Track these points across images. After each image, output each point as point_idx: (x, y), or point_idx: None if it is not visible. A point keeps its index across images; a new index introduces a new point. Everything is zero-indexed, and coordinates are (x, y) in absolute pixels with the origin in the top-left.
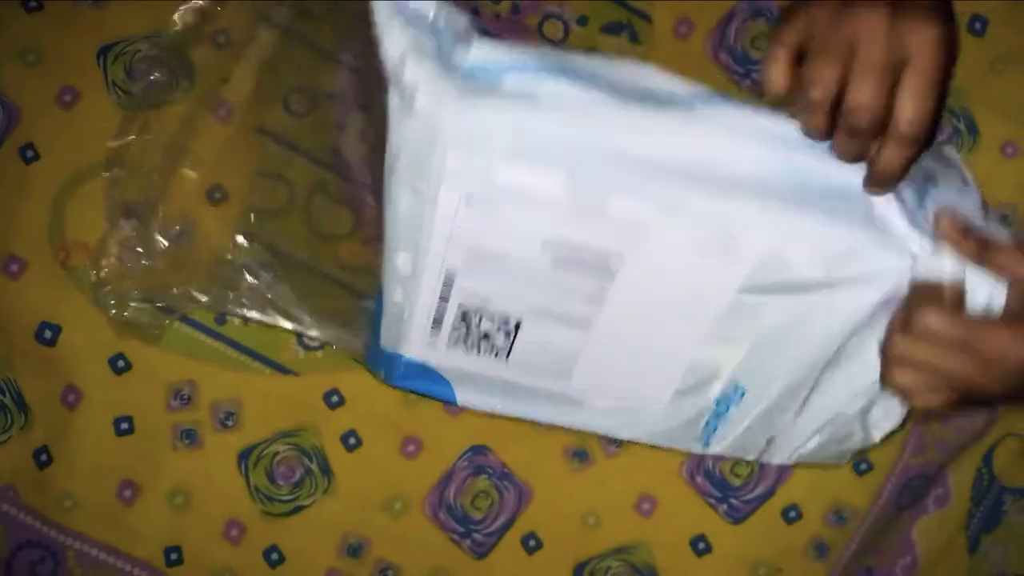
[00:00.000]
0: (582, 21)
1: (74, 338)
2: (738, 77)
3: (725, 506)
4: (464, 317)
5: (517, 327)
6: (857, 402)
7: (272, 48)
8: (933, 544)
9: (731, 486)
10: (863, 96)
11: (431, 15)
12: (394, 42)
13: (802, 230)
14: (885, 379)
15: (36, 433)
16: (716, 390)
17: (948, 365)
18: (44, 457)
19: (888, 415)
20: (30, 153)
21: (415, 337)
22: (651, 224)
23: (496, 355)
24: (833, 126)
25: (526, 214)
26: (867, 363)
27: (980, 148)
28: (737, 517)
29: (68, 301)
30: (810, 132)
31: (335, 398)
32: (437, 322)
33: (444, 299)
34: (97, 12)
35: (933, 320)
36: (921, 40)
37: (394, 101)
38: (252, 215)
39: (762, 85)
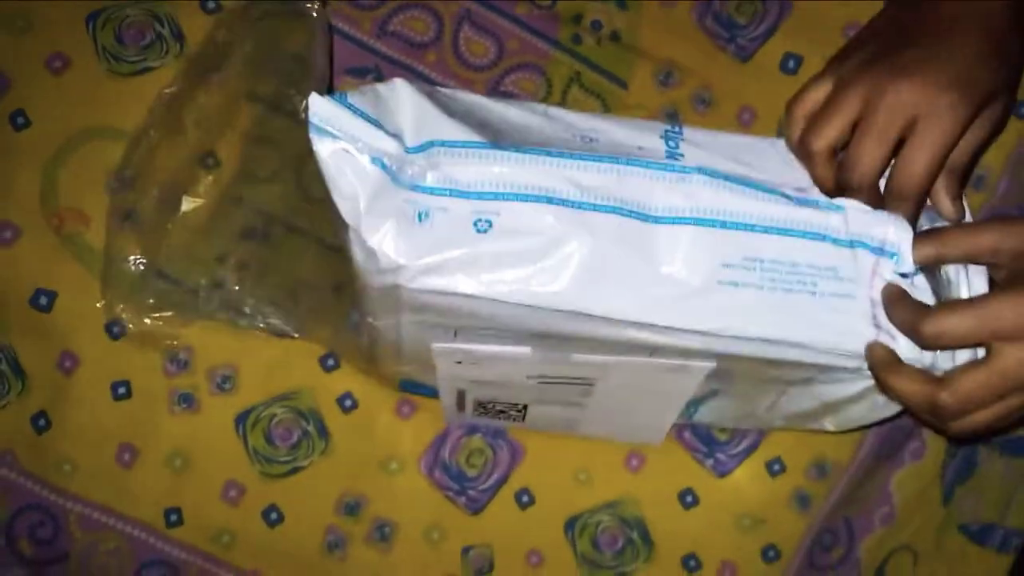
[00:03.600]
0: None
1: (70, 304)
2: (723, 42)
3: (711, 460)
4: (481, 404)
5: (525, 408)
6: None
7: (264, 14)
8: (909, 494)
9: (717, 441)
10: (860, 162)
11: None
12: (345, 195)
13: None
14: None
15: (34, 399)
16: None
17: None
18: (42, 422)
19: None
20: (21, 120)
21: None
22: (612, 364)
23: (512, 420)
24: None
25: (508, 365)
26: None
27: None
28: (723, 471)
29: (63, 267)
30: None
31: (331, 361)
32: (460, 405)
33: (460, 401)
34: None
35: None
36: (932, 108)
37: (355, 249)
38: (244, 180)
39: (789, 140)
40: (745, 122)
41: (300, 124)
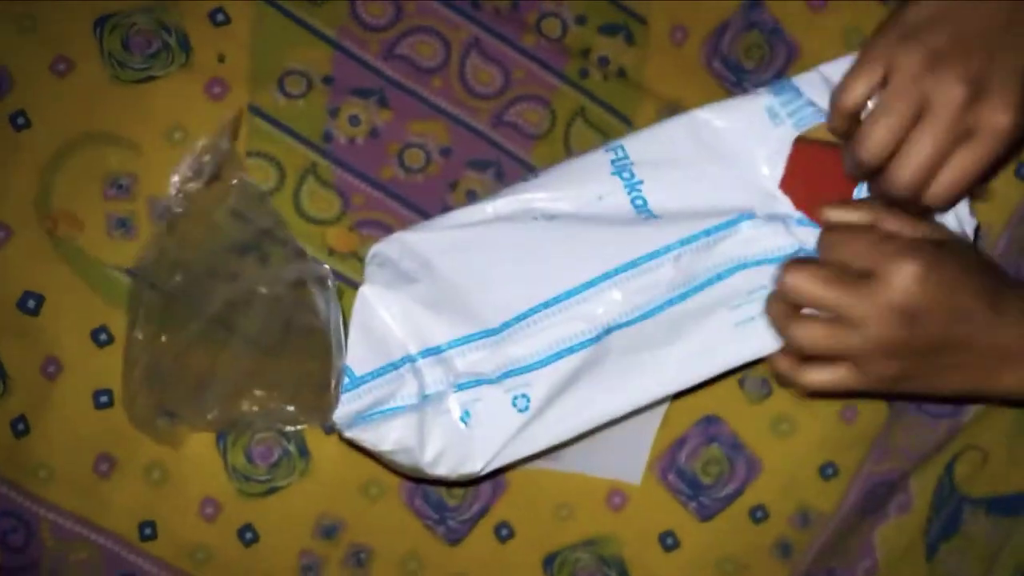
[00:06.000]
0: (580, 20)
1: (57, 309)
2: (730, 85)
3: (695, 504)
4: None
5: None
6: None
7: (270, 29)
8: (893, 549)
9: (701, 484)
10: (909, 173)
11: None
12: (398, 453)
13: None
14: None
15: (14, 402)
16: None
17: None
18: (21, 427)
19: None
20: (21, 120)
21: None
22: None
23: None
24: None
25: None
26: None
27: None
28: (706, 515)
29: (53, 271)
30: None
31: None
32: None
33: None
34: None
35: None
36: (991, 128)
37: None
38: (242, 194)
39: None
40: None
41: None
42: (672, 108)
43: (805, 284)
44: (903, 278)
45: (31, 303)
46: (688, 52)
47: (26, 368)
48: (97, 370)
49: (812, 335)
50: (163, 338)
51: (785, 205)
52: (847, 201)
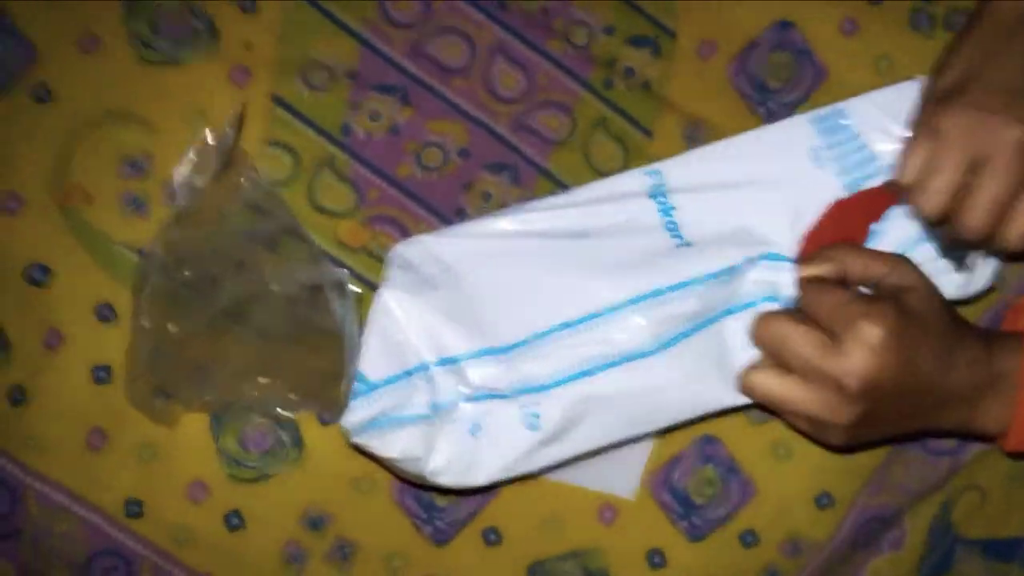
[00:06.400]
0: (608, 31)
1: (63, 282)
2: (754, 104)
3: (686, 523)
4: None
5: None
6: None
7: (298, 19)
8: None
9: (694, 504)
10: (978, 219)
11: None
12: (403, 460)
13: None
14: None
15: (14, 372)
16: None
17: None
18: (17, 396)
19: None
20: (43, 93)
21: None
22: None
23: None
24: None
25: None
26: None
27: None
28: (696, 535)
29: (62, 245)
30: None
31: None
32: None
33: None
34: None
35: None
36: None
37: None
38: (256, 187)
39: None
40: None
41: None
42: (694, 124)
43: (771, 337)
44: (863, 348)
45: (38, 275)
46: (714, 68)
47: (28, 338)
48: (98, 345)
49: (766, 386)
50: (170, 326)
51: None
52: (819, 252)
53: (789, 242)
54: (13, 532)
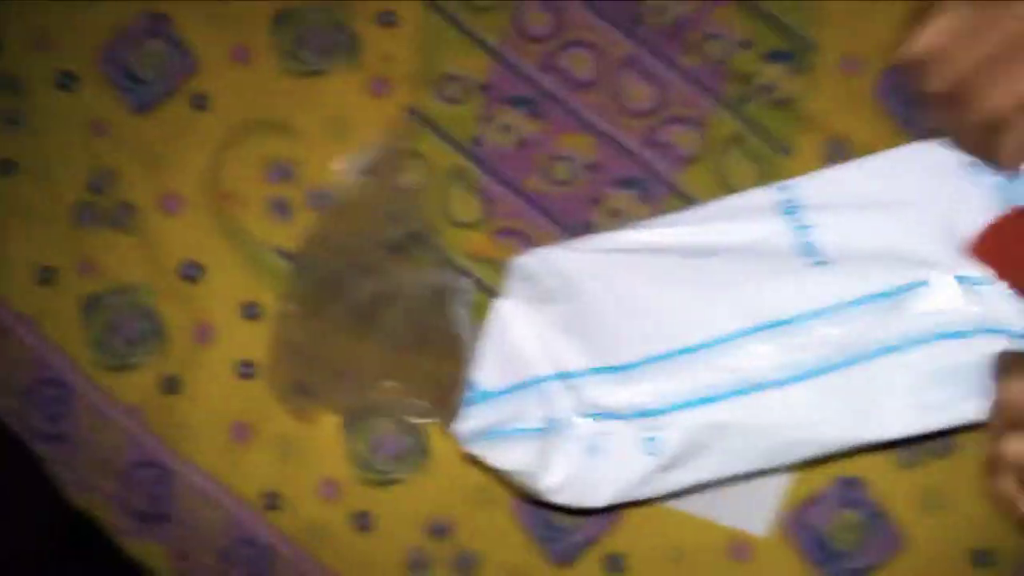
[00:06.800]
0: (745, 44)
1: (214, 280)
2: (902, 124)
3: (824, 571)
4: None
5: None
6: None
7: (434, 33)
8: None
9: (834, 550)
10: None
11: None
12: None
13: None
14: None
15: (170, 362)
16: None
17: None
18: (171, 386)
19: None
20: (201, 102)
21: None
22: None
23: None
24: None
25: None
26: None
27: None
28: None
29: (215, 245)
30: None
31: None
32: None
33: None
34: None
35: None
36: None
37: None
38: (399, 195)
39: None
40: None
41: None
42: (836, 142)
43: None
44: None
45: (193, 271)
46: (861, 83)
47: (182, 332)
48: (244, 341)
49: None
50: (311, 320)
51: (973, 268)
52: None
53: (951, 265)
54: (164, 516)
